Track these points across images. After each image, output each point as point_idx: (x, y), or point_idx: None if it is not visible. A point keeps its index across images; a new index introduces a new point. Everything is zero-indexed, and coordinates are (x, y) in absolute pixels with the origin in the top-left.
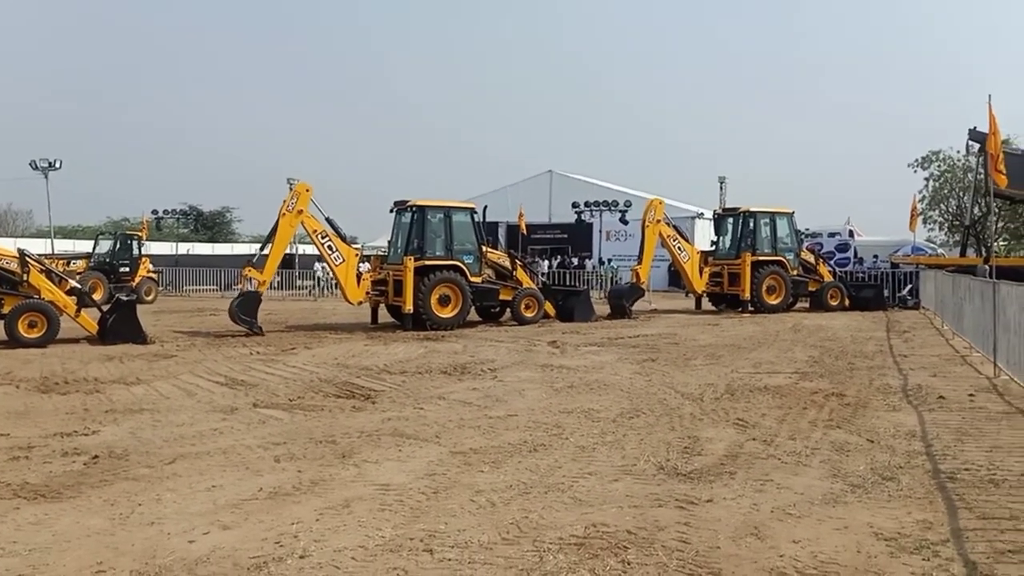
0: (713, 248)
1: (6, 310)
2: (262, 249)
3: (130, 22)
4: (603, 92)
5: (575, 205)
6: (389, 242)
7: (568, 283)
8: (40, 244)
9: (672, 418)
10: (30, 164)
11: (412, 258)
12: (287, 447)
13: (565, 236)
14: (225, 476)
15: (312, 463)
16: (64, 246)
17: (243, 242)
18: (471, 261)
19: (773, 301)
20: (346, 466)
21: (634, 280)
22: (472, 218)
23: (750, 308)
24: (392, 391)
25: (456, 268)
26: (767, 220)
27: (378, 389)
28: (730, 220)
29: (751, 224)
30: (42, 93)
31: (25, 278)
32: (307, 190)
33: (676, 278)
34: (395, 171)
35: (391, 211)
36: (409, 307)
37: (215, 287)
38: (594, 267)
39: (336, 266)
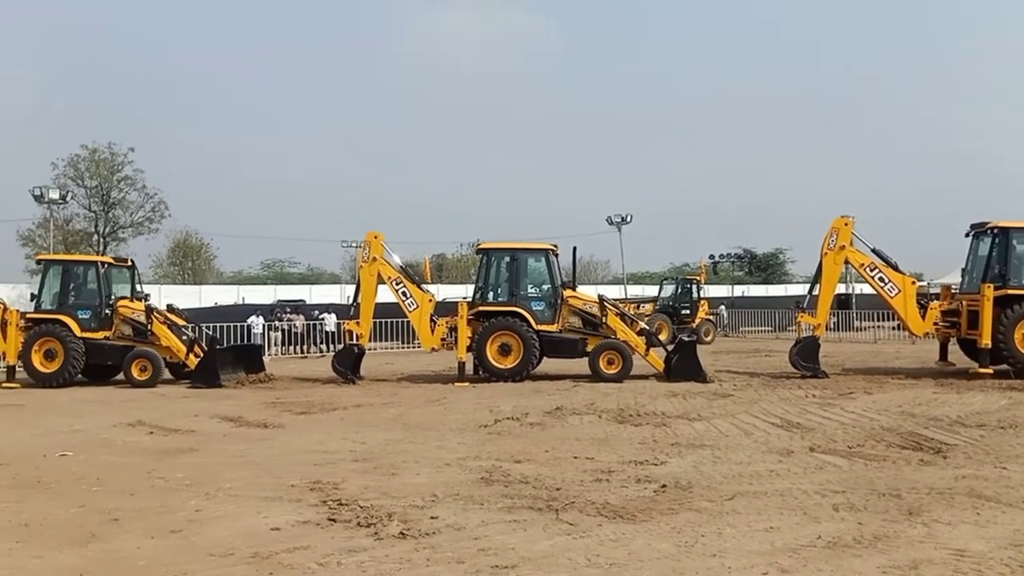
0: None
1: (590, 348)
2: (811, 291)
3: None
4: None
5: None
6: (963, 269)
7: None
8: (615, 290)
9: None
10: (606, 220)
11: (991, 286)
12: (846, 496)
13: None
14: (782, 519)
15: (874, 516)
16: (634, 291)
17: (797, 283)
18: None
19: None
20: (913, 524)
21: None
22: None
23: None
24: (967, 446)
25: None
26: None
27: (950, 443)
28: None
29: None
30: (608, 164)
31: (604, 320)
32: (846, 224)
33: None
34: (961, 200)
35: (967, 235)
36: (986, 341)
37: (770, 328)
38: None
39: (891, 298)
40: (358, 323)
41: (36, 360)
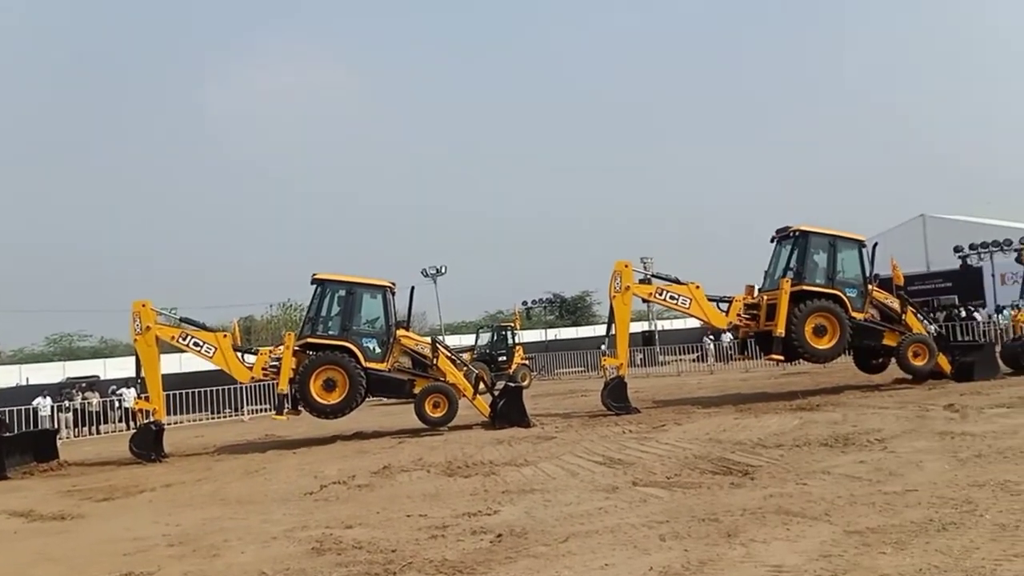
0: None
1: (417, 389)
2: (607, 333)
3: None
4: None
5: (958, 249)
6: (766, 272)
7: (959, 337)
8: None
9: None
10: (422, 272)
11: (788, 281)
12: (671, 525)
13: (948, 285)
14: (616, 554)
15: (698, 542)
16: (451, 341)
17: (604, 323)
18: (854, 295)
19: None
20: (733, 545)
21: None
22: (860, 253)
23: None
24: (770, 466)
25: (836, 299)
26: None
27: (755, 464)
28: None
29: None
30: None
31: (434, 362)
32: (626, 266)
33: None
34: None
35: (771, 240)
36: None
37: (582, 368)
38: (989, 317)
39: (687, 309)
40: (148, 398)
41: None
